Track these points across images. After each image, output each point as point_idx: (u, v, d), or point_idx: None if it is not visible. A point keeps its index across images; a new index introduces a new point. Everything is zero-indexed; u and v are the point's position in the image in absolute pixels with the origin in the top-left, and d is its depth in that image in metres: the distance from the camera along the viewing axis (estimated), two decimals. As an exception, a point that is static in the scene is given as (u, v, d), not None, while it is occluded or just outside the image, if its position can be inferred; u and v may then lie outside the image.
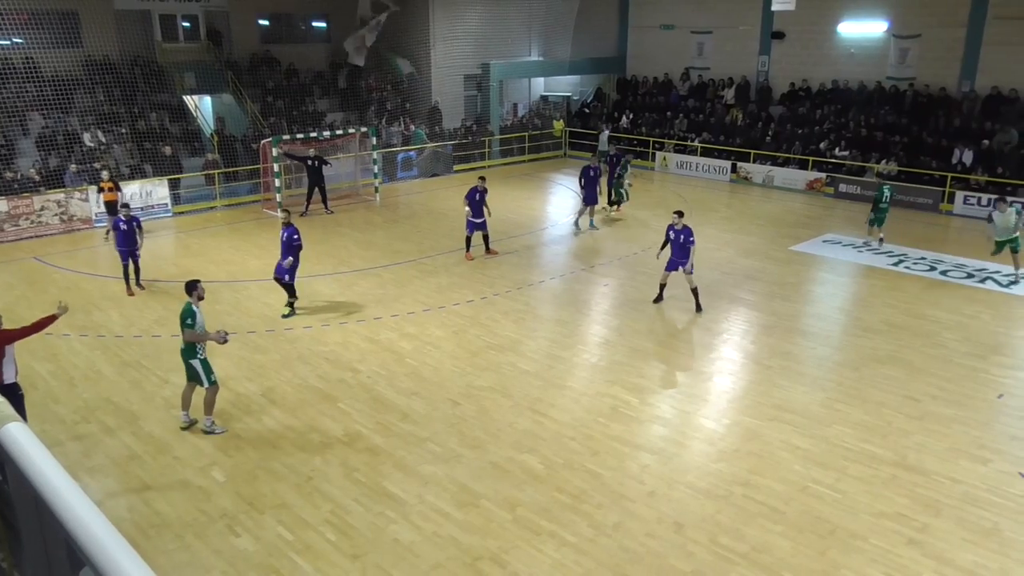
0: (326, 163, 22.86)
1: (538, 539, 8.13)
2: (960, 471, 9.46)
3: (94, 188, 20.40)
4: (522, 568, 7.67)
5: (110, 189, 19.32)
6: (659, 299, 15.28)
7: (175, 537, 8.19)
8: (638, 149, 30.38)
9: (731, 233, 20.82)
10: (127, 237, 15.62)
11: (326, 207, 22.82)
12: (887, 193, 19.28)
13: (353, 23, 29.40)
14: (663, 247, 15.03)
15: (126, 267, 15.89)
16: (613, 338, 13.81)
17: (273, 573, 7.63)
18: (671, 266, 14.86)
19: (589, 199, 20.61)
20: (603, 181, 21.52)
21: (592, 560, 7.79)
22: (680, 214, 14.83)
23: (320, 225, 21.64)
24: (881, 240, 19.51)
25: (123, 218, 15.67)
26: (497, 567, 7.69)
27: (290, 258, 14.32)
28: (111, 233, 15.80)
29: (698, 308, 14.86)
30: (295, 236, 14.31)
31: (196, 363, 10.19)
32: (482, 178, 18.24)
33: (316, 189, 22.62)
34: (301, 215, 22.12)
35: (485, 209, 17.98)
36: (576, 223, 21.21)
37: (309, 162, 22.37)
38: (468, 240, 18.29)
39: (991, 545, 8.06)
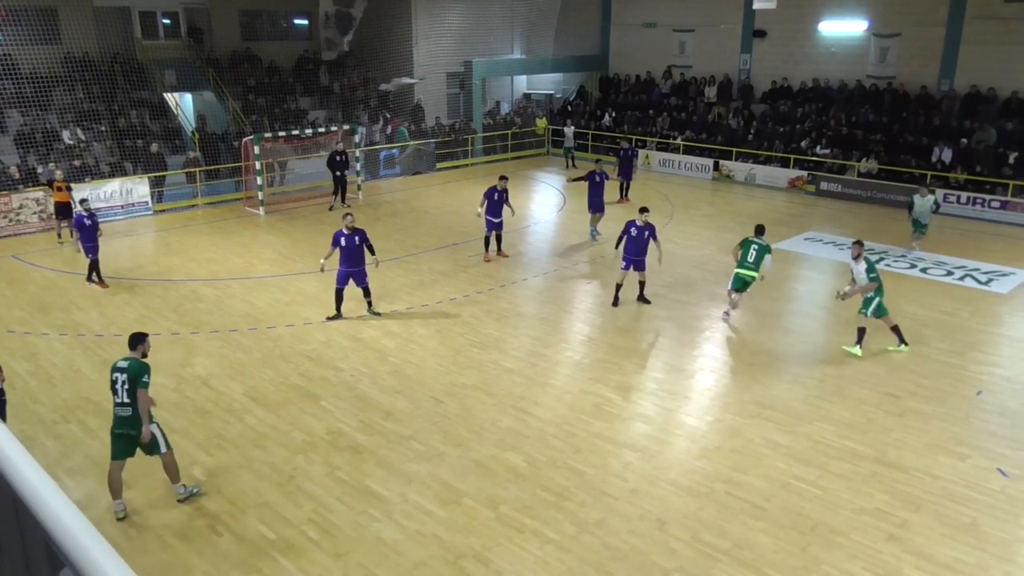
0: (347, 165, 23.21)
1: (521, 537, 8.14)
2: (939, 467, 9.54)
3: (42, 189, 20.18)
4: (505, 566, 7.67)
5: (66, 189, 19.17)
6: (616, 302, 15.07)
7: (156, 537, 8.14)
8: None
9: (713, 231, 20.91)
10: (91, 233, 15.60)
11: (334, 198, 23.03)
12: (920, 205, 18.84)
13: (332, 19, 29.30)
14: (620, 242, 15.01)
15: (94, 261, 15.85)
16: (596, 336, 13.84)
17: (255, 572, 7.60)
18: (629, 263, 14.85)
19: (593, 206, 19.75)
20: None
21: (575, 557, 7.81)
22: (645, 210, 14.93)
23: (303, 223, 21.56)
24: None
25: (85, 213, 15.69)
26: (480, 565, 7.69)
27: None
28: (75, 232, 15.66)
29: (645, 300, 15.15)
30: (367, 235, 14.02)
31: (155, 427, 8.51)
32: (504, 177, 17.66)
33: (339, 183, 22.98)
34: (330, 209, 22.52)
35: (508, 208, 17.57)
36: (593, 233, 20.04)
37: (337, 157, 22.72)
38: (487, 240, 17.90)
39: (969, 540, 8.14)
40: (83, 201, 16.41)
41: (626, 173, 24.14)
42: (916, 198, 18.73)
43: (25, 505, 1.79)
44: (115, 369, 8.37)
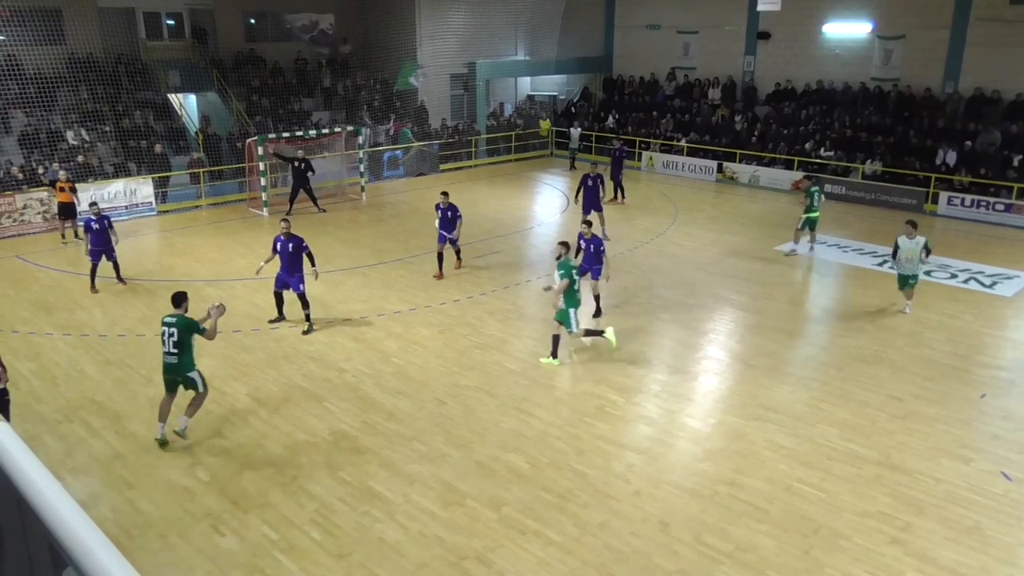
0: (311, 169, 22.44)
1: (523, 538, 8.14)
2: (942, 470, 9.52)
3: (46, 189, 20.26)
4: (507, 567, 7.67)
5: (70, 189, 19.23)
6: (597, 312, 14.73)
7: (159, 537, 8.15)
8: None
9: (717, 233, 20.90)
10: (101, 236, 15.56)
11: (317, 207, 22.69)
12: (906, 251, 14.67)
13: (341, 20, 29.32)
14: (578, 252, 14.42)
15: (95, 266, 15.72)
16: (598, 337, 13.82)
17: (258, 573, 7.61)
18: (583, 270, 14.24)
19: (587, 209, 19.42)
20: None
21: (577, 559, 7.80)
22: (589, 224, 14.61)
23: (306, 224, 21.54)
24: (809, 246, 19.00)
25: (94, 217, 15.60)
26: (482, 566, 7.69)
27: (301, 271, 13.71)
28: (87, 235, 15.61)
29: (597, 312, 14.46)
30: (305, 245, 13.63)
31: (196, 372, 9.91)
32: (444, 193, 16.72)
33: (300, 191, 22.40)
34: (287, 213, 22.08)
35: (458, 226, 16.58)
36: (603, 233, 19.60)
37: (295, 163, 22.23)
38: (439, 256, 16.73)
39: (972, 543, 8.12)
40: (92, 205, 16.35)
41: (614, 174, 23.71)
42: (901, 240, 14.56)
43: (29, 505, 1.79)
44: (164, 323, 9.74)
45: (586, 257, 14.36)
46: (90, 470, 9.45)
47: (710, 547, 8.03)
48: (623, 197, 24.15)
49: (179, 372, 9.78)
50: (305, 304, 13.75)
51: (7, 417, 8.74)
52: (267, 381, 11.88)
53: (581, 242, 14.45)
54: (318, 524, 8.37)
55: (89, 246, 15.61)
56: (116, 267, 16.03)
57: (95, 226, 15.49)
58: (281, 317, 14.16)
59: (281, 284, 13.85)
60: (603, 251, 14.22)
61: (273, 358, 12.72)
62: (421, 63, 29.83)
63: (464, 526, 8.35)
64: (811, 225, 18.56)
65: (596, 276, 14.26)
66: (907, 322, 14.45)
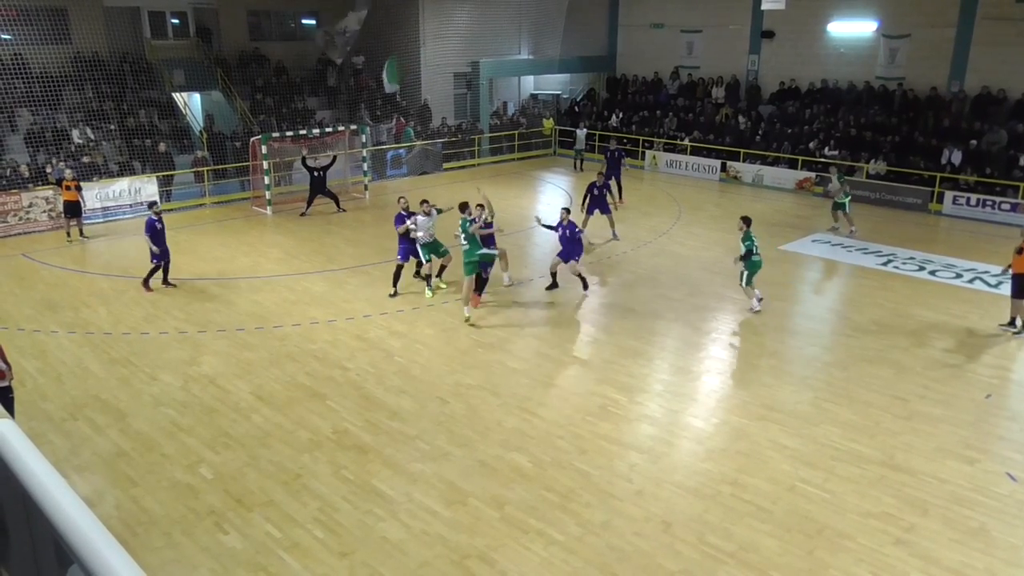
0: (328, 166, 22.68)
1: (526, 537, 8.14)
2: (947, 471, 9.51)
3: (52, 188, 20.29)
4: (510, 566, 7.67)
5: (76, 188, 19.25)
6: (554, 286, 16.00)
7: (163, 534, 8.16)
8: (628, 148, 30.42)
9: (720, 232, 20.86)
10: (162, 237, 15.62)
11: (338, 206, 22.73)
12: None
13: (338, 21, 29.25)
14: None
15: (167, 264, 15.89)
16: (602, 337, 13.83)
17: (261, 571, 7.62)
18: (564, 256, 15.50)
19: (591, 212, 19.62)
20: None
21: (580, 559, 7.80)
22: (567, 211, 15.61)
23: (310, 223, 21.61)
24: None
25: (156, 217, 15.62)
26: (485, 565, 7.69)
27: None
28: (150, 236, 15.48)
29: (585, 286, 15.64)
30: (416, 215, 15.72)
31: (484, 249, 13.92)
32: (303, 213, 16.68)
33: (319, 195, 22.48)
34: (301, 215, 22.16)
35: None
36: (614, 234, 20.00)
37: (314, 173, 22.30)
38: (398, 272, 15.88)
39: (977, 545, 8.11)
40: (153, 204, 16.35)
41: (615, 175, 23.39)
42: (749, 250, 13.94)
43: (34, 502, 1.80)
44: (459, 228, 13.90)
45: (563, 242, 15.41)
46: (95, 468, 9.47)
47: (713, 547, 8.02)
48: (620, 198, 23.92)
49: (473, 254, 13.65)
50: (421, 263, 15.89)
51: (11, 415, 8.76)
52: (270, 379, 11.89)
53: (559, 229, 15.51)
54: (321, 522, 8.38)
55: (154, 247, 15.54)
56: (154, 271, 15.91)
57: (159, 226, 15.54)
58: (394, 289, 15.60)
59: (407, 255, 15.54)
60: (579, 234, 15.48)
61: (276, 356, 12.73)
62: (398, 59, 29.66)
63: (467, 525, 8.35)
64: (843, 208, 20.37)
65: (569, 258, 15.37)
66: (912, 322, 14.43)
